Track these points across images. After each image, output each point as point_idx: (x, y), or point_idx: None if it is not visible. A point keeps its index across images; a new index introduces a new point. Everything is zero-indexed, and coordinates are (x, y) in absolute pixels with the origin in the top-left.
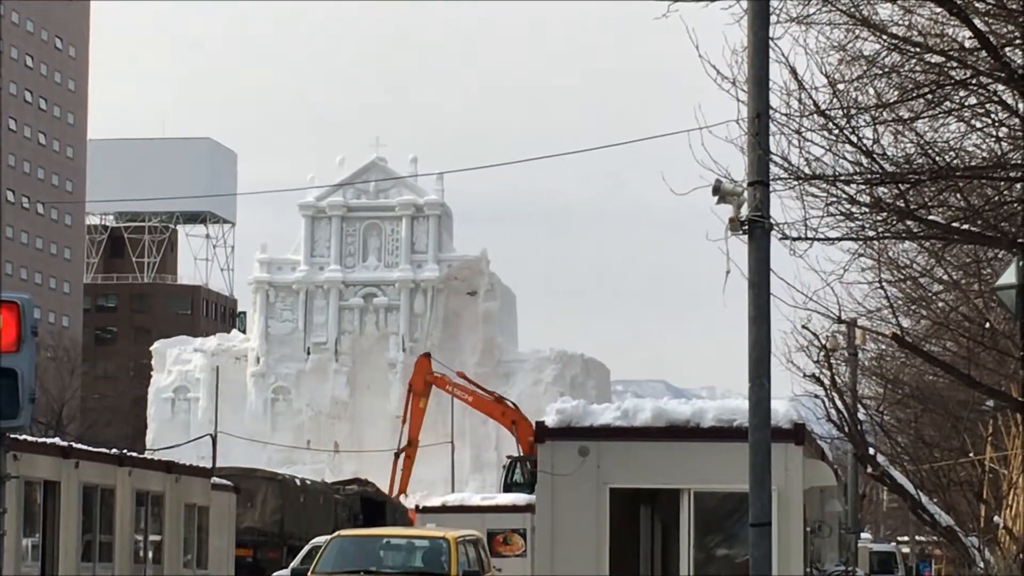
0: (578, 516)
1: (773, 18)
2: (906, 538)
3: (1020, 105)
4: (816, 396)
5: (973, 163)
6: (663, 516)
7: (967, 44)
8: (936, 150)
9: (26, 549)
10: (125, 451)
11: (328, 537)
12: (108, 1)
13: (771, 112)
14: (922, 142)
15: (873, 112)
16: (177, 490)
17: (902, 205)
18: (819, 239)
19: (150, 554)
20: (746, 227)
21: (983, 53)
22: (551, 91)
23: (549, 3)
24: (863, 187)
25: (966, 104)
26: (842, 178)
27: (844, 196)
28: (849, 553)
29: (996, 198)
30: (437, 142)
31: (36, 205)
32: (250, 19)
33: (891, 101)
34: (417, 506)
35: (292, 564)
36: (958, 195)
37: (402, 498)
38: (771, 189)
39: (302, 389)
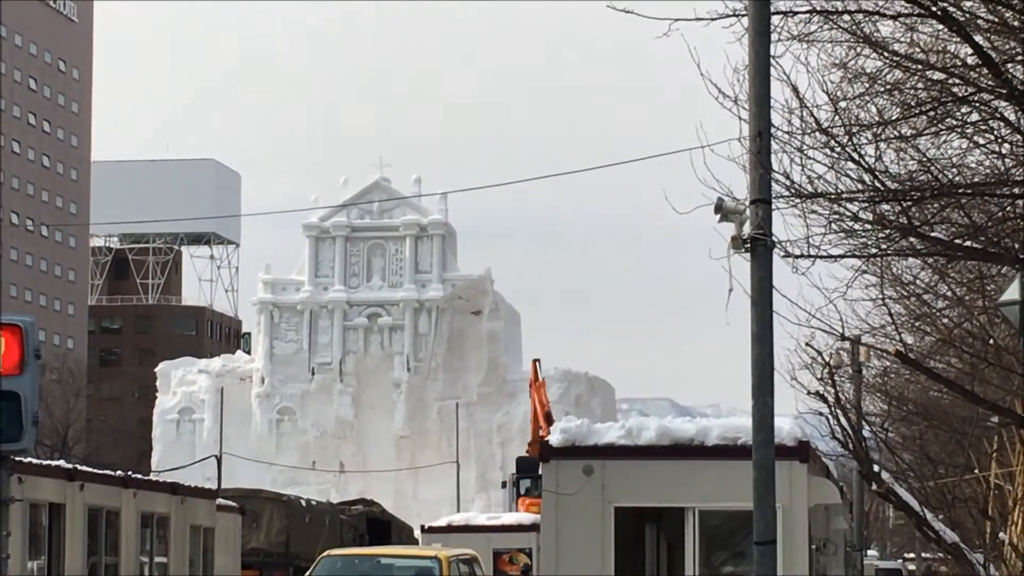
0: (583, 535)
1: (774, 36)
2: (912, 555)
3: (1022, 121)
4: (820, 413)
5: (976, 180)
6: (668, 535)
7: (969, 61)
8: (938, 167)
9: (31, 572)
10: (130, 473)
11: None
12: (111, 23)
13: (773, 130)
14: (924, 159)
15: (875, 129)
16: (182, 512)
17: (905, 222)
18: (822, 256)
19: None
20: (748, 245)
21: (985, 70)
22: (553, 110)
23: (551, 24)
24: (865, 204)
25: (968, 121)
26: (844, 196)
27: (847, 213)
28: (855, 571)
29: (999, 215)
30: (440, 162)
31: (40, 227)
32: (253, 40)
33: (893, 118)
34: (423, 526)
35: None
36: (961, 212)
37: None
38: (773, 207)
39: (307, 409)
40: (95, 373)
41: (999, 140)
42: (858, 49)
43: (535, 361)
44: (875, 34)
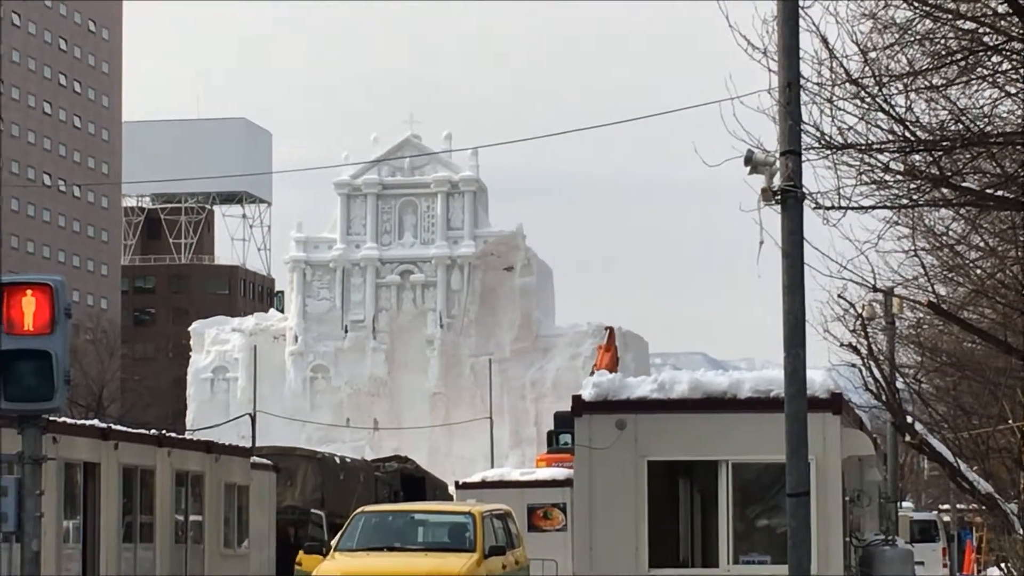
0: (616, 489)
1: None
2: (947, 506)
3: None
4: (853, 365)
5: (1007, 129)
6: (702, 488)
7: (1000, 10)
8: (970, 117)
9: (67, 531)
10: (164, 432)
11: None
12: None
13: (802, 81)
14: (955, 109)
15: (906, 80)
16: (217, 470)
17: (936, 172)
18: (853, 208)
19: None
20: (779, 197)
21: (1016, 19)
22: (583, 64)
23: None
24: (896, 155)
25: (999, 70)
26: (875, 146)
27: (877, 164)
28: (889, 522)
29: None
30: (471, 118)
31: (72, 188)
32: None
33: (923, 68)
34: (457, 482)
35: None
36: (992, 161)
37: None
38: (803, 158)
39: (340, 367)
40: (129, 333)
41: None
42: None
43: (608, 328)
44: None
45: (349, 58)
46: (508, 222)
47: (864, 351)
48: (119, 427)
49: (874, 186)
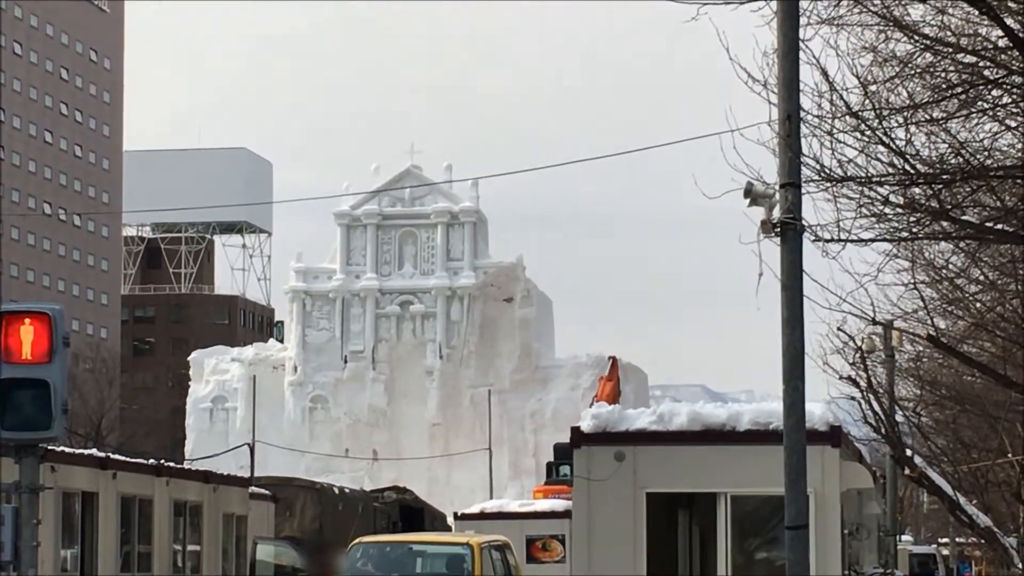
0: (615, 521)
1: (803, 20)
2: (946, 540)
3: None
4: (853, 398)
5: (1007, 162)
6: (700, 520)
7: (1000, 43)
8: (970, 150)
9: (65, 560)
10: (163, 461)
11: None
12: (142, 12)
13: (802, 114)
14: (955, 142)
15: (906, 113)
16: (215, 500)
17: (936, 205)
18: (852, 240)
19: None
20: (778, 229)
21: (1016, 52)
22: (583, 96)
23: (581, 9)
24: (896, 188)
25: (999, 103)
26: (875, 179)
27: (877, 197)
28: (888, 555)
29: None
30: (472, 149)
31: (73, 217)
32: (283, 29)
33: (924, 101)
34: (456, 513)
35: None
36: (992, 195)
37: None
38: (803, 191)
39: (340, 398)
40: (128, 362)
41: None
42: (888, 32)
43: (612, 358)
44: (905, 17)
45: (350, 88)
46: (508, 253)
47: (863, 384)
48: (117, 456)
49: (874, 219)
